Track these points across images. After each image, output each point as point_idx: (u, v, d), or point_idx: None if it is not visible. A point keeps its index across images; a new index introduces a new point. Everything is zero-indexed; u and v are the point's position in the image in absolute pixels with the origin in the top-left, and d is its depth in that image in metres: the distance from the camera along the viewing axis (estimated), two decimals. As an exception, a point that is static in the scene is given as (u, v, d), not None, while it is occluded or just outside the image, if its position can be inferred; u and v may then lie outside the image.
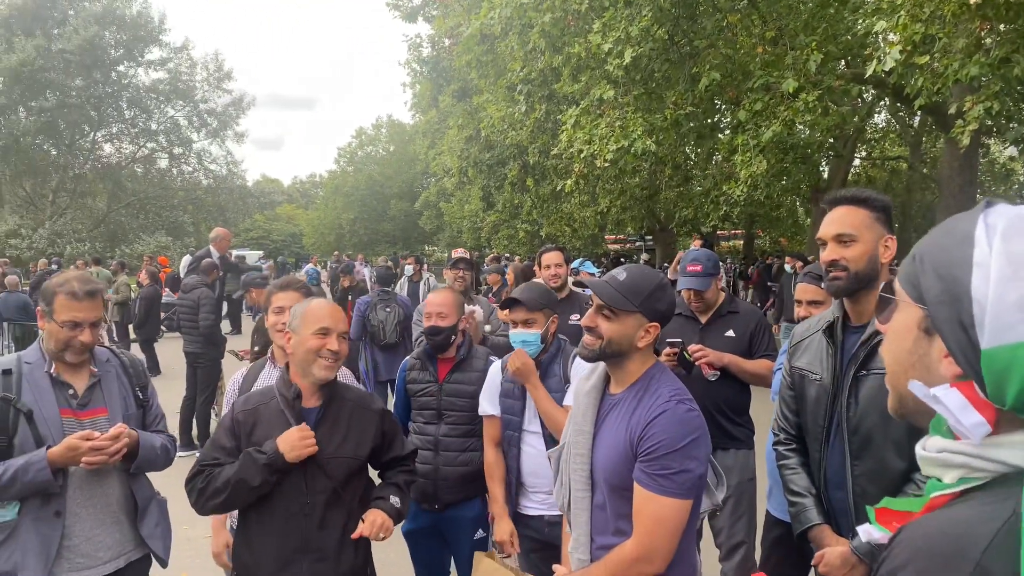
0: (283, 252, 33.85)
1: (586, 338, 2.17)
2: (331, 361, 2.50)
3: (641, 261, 26.93)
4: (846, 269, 2.35)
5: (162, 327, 13.60)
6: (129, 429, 2.61)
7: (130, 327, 13.80)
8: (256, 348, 4.84)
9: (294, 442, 2.40)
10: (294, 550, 2.47)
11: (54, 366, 2.61)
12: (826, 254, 2.39)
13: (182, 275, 11.43)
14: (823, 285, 2.83)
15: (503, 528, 3.16)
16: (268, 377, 3.25)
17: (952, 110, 7.69)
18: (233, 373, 3.49)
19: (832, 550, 2.33)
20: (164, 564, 2.83)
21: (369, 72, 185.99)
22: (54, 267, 20.59)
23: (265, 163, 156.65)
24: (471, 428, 3.49)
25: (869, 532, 1.10)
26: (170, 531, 2.91)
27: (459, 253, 7.35)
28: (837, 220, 2.39)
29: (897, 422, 2.17)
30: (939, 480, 0.95)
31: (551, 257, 5.10)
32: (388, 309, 7.05)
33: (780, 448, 2.63)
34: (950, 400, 0.92)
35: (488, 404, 3.28)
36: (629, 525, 2.07)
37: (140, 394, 2.82)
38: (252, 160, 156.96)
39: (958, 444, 0.92)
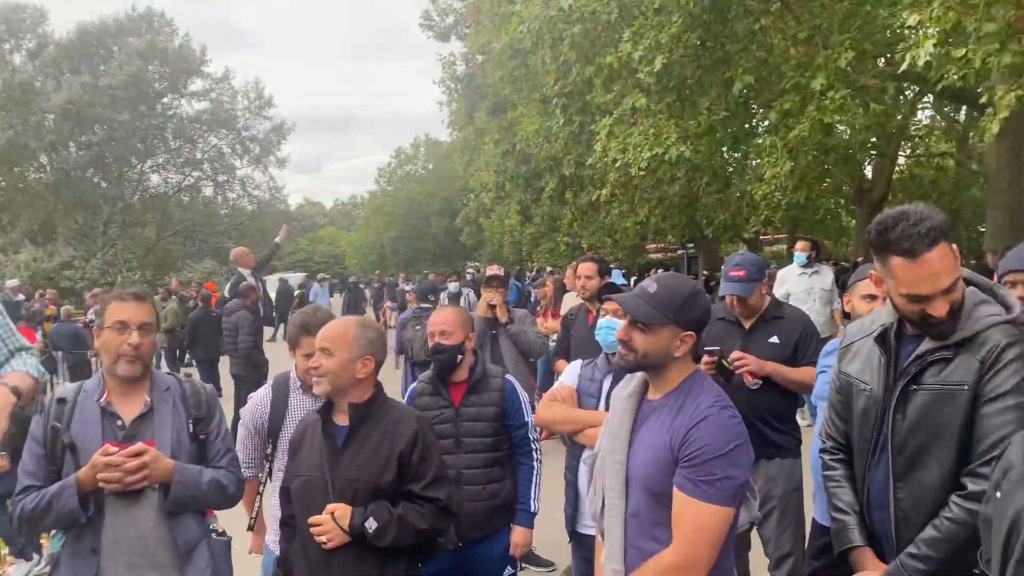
0: (326, 272, 34.06)
1: (621, 350, 2.17)
2: None
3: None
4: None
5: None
6: (157, 452, 2.36)
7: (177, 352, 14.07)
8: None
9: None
10: (317, 567, 2.45)
11: (106, 394, 2.45)
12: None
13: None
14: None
15: None
16: (300, 405, 3.12)
17: (984, 99, 7.45)
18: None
19: (868, 574, 2.21)
20: None
21: (405, 92, 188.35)
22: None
23: (306, 187, 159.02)
24: (495, 456, 3.27)
25: None
26: (228, 574, 2.64)
27: (494, 270, 7.33)
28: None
29: (947, 443, 2.03)
30: None
31: (584, 268, 5.08)
32: (419, 327, 6.72)
33: (826, 457, 2.48)
34: None
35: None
36: (666, 533, 2.04)
37: (192, 427, 2.53)
38: (293, 184, 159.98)
39: None
